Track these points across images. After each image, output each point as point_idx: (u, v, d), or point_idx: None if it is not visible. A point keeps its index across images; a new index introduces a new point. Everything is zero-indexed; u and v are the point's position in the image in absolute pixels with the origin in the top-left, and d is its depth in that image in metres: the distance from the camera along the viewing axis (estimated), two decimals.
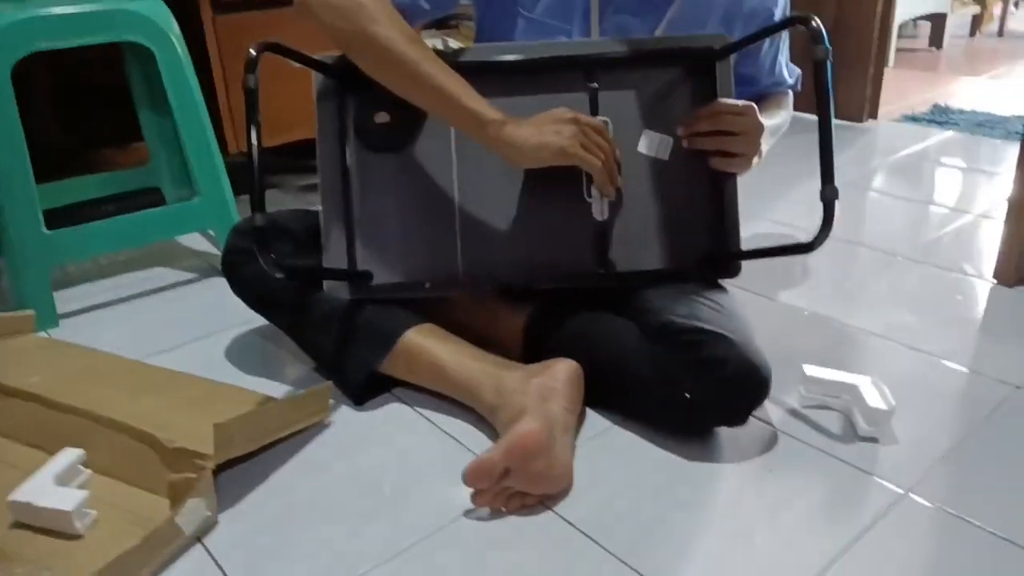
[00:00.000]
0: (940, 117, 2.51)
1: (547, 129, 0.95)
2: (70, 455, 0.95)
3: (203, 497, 0.88)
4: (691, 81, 1.08)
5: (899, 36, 3.36)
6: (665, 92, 1.08)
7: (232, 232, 1.19)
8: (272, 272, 0.88)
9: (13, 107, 1.27)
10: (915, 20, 3.83)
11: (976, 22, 4.04)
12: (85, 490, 0.90)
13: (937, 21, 3.70)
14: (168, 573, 0.84)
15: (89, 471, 0.97)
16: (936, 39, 3.74)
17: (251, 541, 0.88)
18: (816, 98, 0.87)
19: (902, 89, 2.88)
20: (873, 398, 1.01)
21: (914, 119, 2.52)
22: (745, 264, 1.09)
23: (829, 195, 0.87)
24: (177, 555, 0.86)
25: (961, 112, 2.56)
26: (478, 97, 0.96)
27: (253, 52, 0.88)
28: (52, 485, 0.90)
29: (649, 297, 1.06)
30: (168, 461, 0.92)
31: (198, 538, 0.88)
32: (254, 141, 0.86)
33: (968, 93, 2.88)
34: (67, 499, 0.87)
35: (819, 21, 0.88)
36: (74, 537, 0.87)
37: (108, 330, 1.37)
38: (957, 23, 3.92)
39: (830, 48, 0.87)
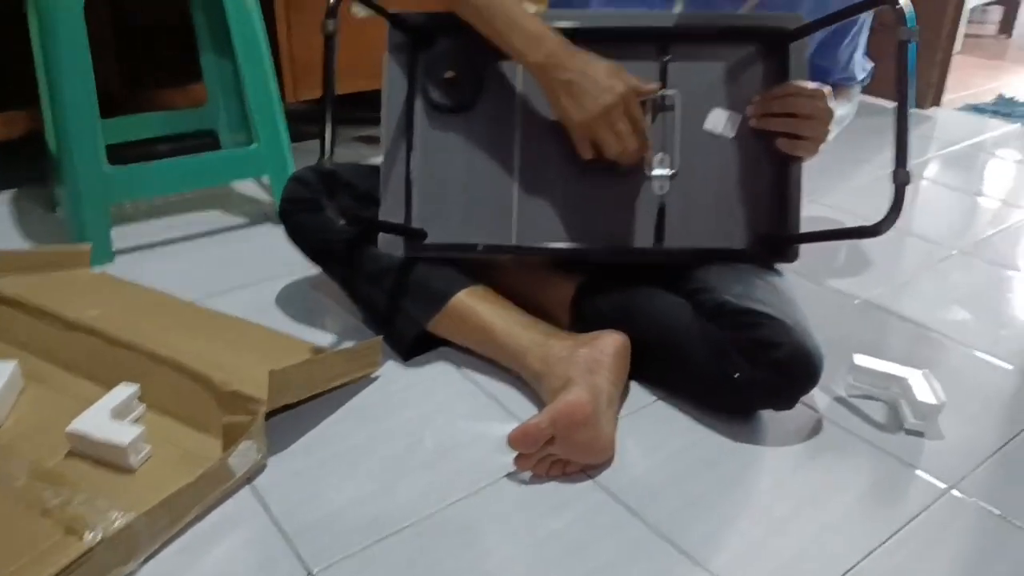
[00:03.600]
0: (1005, 108, 2.44)
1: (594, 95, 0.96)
2: (126, 390, 0.98)
3: (255, 440, 0.90)
4: (764, 61, 1.06)
5: (967, 21, 3.25)
6: (737, 70, 1.06)
7: (291, 180, 1.20)
8: (335, 217, 0.89)
9: (85, 41, 1.29)
10: (984, 5, 3.70)
11: None
12: (140, 425, 0.93)
13: (1009, 7, 3.58)
14: (217, 512, 0.87)
15: (144, 406, 0.99)
16: (1006, 26, 3.62)
17: (297, 486, 0.91)
18: (896, 80, 0.86)
19: (967, 77, 2.80)
20: (923, 392, 1.01)
21: (978, 109, 2.45)
22: None
23: (901, 179, 0.85)
24: (227, 495, 0.89)
25: None
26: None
27: None
28: (108, 418, 0.93)
29: (704, 275, 1.05)
30: (222, 403, 0.94)
31: (248, 480, 0.91)
32: (330, 85, 0.87)
33: None
34: (123, 433, 0.90)
35: (906, 1, 0.86)
36: (128, 471, 0.90)
37: (160, 270, 1.39)
38: None
39: (915, 29, 0.85)
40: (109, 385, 0.99)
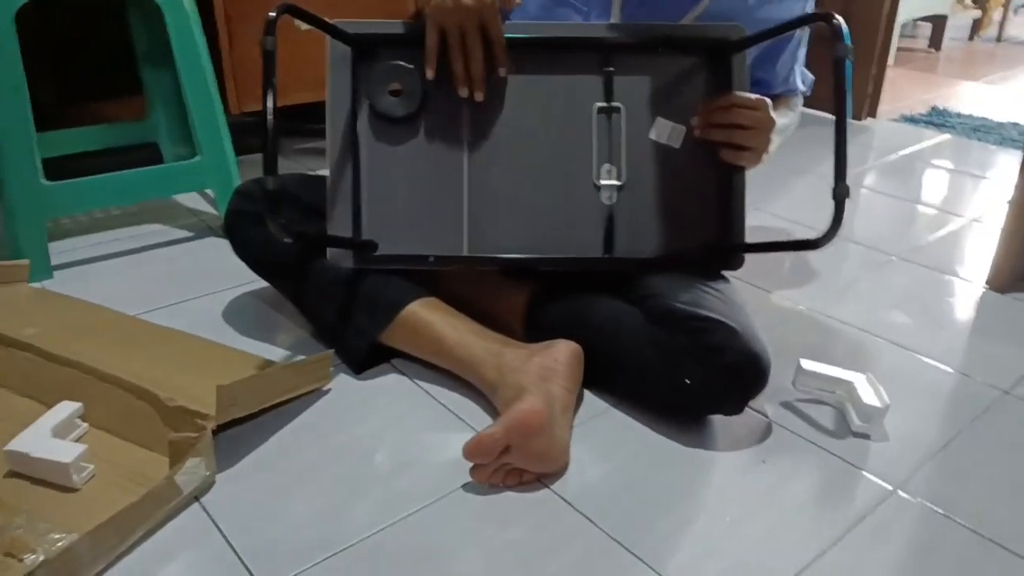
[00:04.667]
0: (938, 119, 2.53)
1: None
2: (68, 408, 0.95)
3: (202, 457, 0.88)
4: (706, 72, 1.08)
5: (899, 36, 3.37)
6: (680, 81, 1.08)
7: (236, 194, 1.18)
8: (280, 236, 0.88)
9: (17, 53, 1.25)
10: (915, 21, 3.84)
11: (976, 26, 4.06)
12: (82, 444, 0.90)
13: (938, 23, 3.71)
14: (165, 531, 0.85)
15: (86, 425, 0.96)
16: (935, 41, 3.76)
17: (248, 503, 0.89)
18: (834, 96, 0.88)
19: (900, 89, 2.90)
20: (868, 395, 1.03)
21: (912, 120, 2.53)
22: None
23: (841, 193, 0.87)
24: (174, 513, 0.86)
25: (959, 116, 2.58)
26: None
27: (272, 14, 0.87)
28: (49, 437, 0.90)
29: (652, 283, 1.06)
30: (168, 419, 0.92)
31: (196, 497, 0.89)
32: (270, 103, 0.86)
33: (965, 97, 2.90)
34: (65, 451, 0.87)
35: (841, 19, 0.88)
36: (70, 490, 0.87)
37: (102, 284, 1.36)
38: (956, 26, 3.93)
39: (851, 46, 0.87)
40: (48, 404, 0.96)
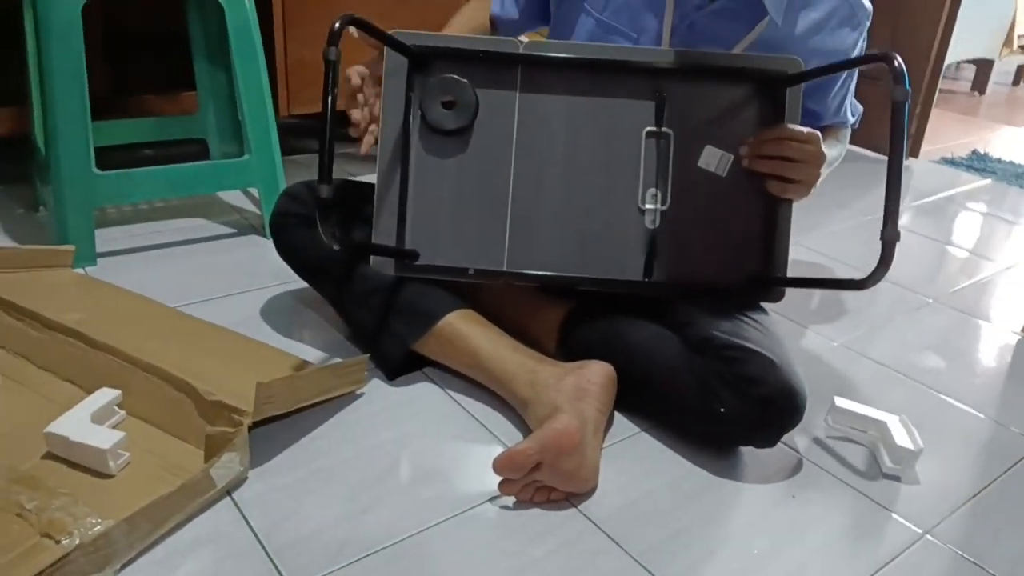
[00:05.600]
0: (978, 164, 2.51)
1: None
2: (107, 395, 0.97)
3: (237, 452, 0.89)
4: (759, 102, 1.08)
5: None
6: (731, 110, 1.08)
7: (284, 195, 1.20)
8: (330, 243, 0.89)
9: (81, 46, 1.28)
10: (959, 63, 3.82)
11: (1021, 72, 4.03)
12: (120, 431, 0.91)
13: (983, 66, 3.69)
14: (196, 523, 0.86)
15: (123, 413, 0.98)
16: (980, 84, 3.73)
17: (278, 500, 0.90)
18: (890, 138, 0.87)
19: (940, 131, 2.88)
20: (901, 437, 1.02)
21: (952, 162, 2.52)
22: None
23: (890, 236, 0.86)
24: (207, 506, 0.87)
25: (1000, 161, 2.56)
26: None
27: (336, 25, 0.88)
28: (88, 423, 0.92)
29: (691, 309, 1.06)
30: (205, 413, 0.93)
31: (228, 492, 0.90)
32: (330, 112, 0.87)
33: (1008, 143, 2.87)
34: (103, 437, 0.89)
35: (901, 61, 0.87)
36: (106, 476, 0.88)
37: (143, 275, 1.38)
38: (999, 71, 3.90)
39: (911, 90, 0.87)
40: (88, 389, 0.98)
